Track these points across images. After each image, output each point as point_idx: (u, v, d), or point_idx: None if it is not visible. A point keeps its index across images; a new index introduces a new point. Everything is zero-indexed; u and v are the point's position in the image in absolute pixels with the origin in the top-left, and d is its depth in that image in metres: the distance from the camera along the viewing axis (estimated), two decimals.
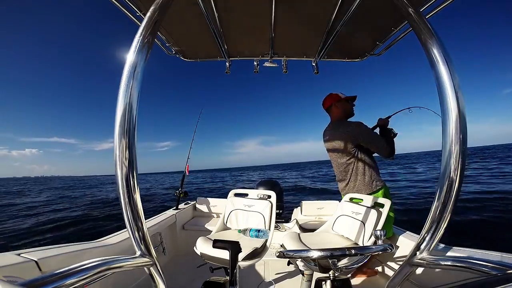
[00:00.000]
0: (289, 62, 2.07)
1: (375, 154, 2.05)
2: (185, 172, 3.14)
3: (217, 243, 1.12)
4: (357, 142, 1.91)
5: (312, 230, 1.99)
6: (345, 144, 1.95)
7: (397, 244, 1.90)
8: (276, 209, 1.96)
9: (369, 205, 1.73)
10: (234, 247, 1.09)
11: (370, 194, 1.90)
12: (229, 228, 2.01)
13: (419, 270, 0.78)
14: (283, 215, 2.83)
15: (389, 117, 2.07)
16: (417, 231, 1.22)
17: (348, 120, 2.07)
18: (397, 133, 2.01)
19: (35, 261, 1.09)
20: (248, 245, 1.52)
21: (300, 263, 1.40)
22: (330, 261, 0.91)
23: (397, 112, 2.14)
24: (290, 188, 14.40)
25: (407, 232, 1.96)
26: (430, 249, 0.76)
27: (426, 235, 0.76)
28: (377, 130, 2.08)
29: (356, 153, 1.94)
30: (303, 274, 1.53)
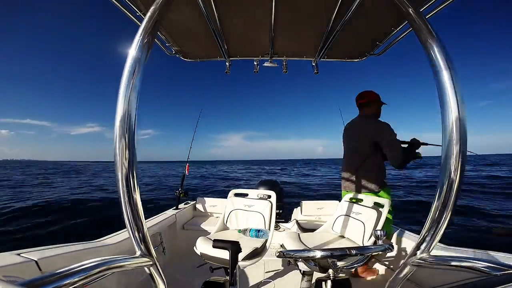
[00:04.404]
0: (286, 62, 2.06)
1: None
2: (185, 172, 3.14)
3: (217, 243, 1.12)
4: (376, 139, 1.90)
5: (312, 230, 1.99)
6: (364, 139, 1.96)
7: (397, 244, 1.90)
8: (276, 209, 1.96)
9: (369, 205, 1.73)
10: (234, 247, 1.09)
11: (370, 193, 1.90)
12: (229, 228, 2.01)
13: (419, 270, 0.78)
14: (283, 215, 2.84)
15: (425, 143, 1.99)
16: (417, 231, 1.22)
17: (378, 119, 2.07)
18: (421, 159, 1.93)
19: (35, 261, 1.09)
20: (248, 245, 1.52)
21: (300, 263, 1.40)
22: (330, 261, 0.91)
23: (437, 145, 2.00)
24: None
25: (407, 232, 1.96)
26: (430, 249, 0.76)
27: (426, 235, 0.75)
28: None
29: (371, 151, 1.95)
30: (303, 274, 1.53)
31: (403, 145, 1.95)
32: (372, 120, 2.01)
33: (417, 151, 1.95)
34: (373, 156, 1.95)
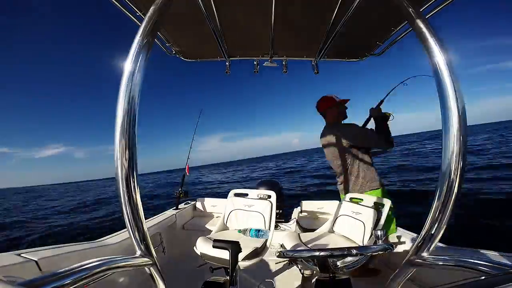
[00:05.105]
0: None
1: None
2: (185, 172, 3.15)
3: (217, 243, 1.12)
4: (353, 144, 1.93)
5: (312, 230, 1.99)
6: (339, 147, 1.98)
7: (397, 244, 1.90)
8: (276, 209, 1.96)
9: (369, 205, 1.73)
10: (234, 247, 1.09)
11: (371, 191, 1.91)
12: (229, 228, 2.01)
13: (419, 270, 0.78)
14: (283, 215, 2.84)
15: (381, 102, 2.00)
16: (417, 231, 1.22)
17: (342, 122, 2.10)
18: (393, 117, 1.91)
19: (35, 261, 1.09)
20: (248, 245, 1.52)
21: (300, 263, 1.40)
22: (330, 261, 0.91)
23: (389, 92, 2.04)
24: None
25: (407, 232, 1.96)
26: (430, 249, 0.76)
27: (426, 235, 0.76)
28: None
29: (350, 155, 1.96)
30: (303, 274, 1.53)
31: (373, 123, 1.97)
32: (338, 126, 2.03)
33: (383, 112, 1.94)
34: (354, 161, 1.97)
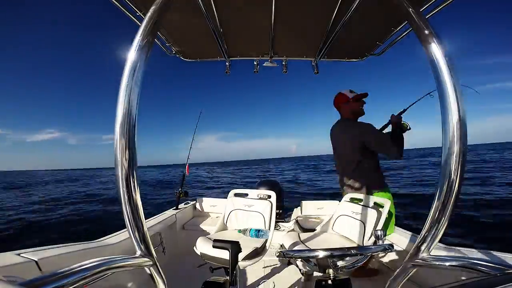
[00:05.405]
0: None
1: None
2: (185, 172, 3.15)
3: (217, 243, 1.13)
4: (361, 145, 1.86)
5: (312, 230, 1.99)
6: (348, 146, 1.93)
7: (397, 244, 1.90)
8: (276, 209, 1.96)
9: (369, 205, 1.73)
10: (234, 247, 1.09)
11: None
12: (229, 228, 2.01)
13: (419, 270, 0.78)
14: (283, 215, 2.84)
15: (403, 111, 1.94)
16: (417, 231, 1.22)
17: (357, 120, 2.02)
18: (410, 128, 1.87)
19: (35, 261, 1.09)
20: (248, 245, 1.52)
21: (300, 263, 1.40)
22: (330, 261, 0.91)
23: (414, 103, 1.99)
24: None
25: (407, 232, 1.96)
26: (430, 249, 0.76)
27: (426, 235, 0.76)
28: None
29: (357, 157, 1.91)
30: (303, 274, 1.53)
31: (388, 129, 1.93)
32: (351, 123, 1.96)
33: (402, 122, 1.89)
34: (360, 163, 1.91)
